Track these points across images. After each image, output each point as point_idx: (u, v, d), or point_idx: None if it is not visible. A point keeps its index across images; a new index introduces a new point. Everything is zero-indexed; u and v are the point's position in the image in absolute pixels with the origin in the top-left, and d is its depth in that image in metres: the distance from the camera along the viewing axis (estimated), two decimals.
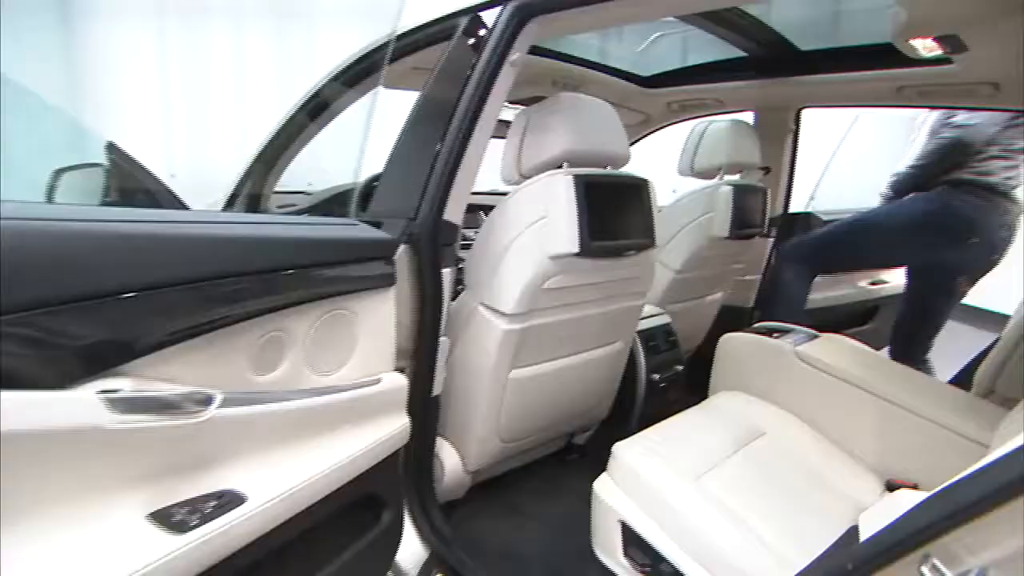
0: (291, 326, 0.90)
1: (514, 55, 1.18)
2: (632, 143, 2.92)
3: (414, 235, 1.16)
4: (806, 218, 2.46)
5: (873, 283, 2.73)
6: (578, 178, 1.27)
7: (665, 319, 1.96)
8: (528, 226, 1.29)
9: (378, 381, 1.03)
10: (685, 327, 2.30)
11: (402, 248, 1.14)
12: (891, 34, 1.35)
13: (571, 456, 1.87)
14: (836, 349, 1.51)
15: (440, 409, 1.38)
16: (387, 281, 1.05)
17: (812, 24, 2.01)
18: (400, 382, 1.09)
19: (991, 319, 2.10)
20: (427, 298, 1.19)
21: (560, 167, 1.34)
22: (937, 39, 1.32)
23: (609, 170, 1.44)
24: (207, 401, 0.72)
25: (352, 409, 0.98)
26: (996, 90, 1.75)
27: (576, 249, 1.26)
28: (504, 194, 1.38)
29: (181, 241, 0.76)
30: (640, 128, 2.81)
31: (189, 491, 0.73)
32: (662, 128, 2.82)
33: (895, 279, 2.69)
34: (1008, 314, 1.59)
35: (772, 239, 2.45)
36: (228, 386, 0.78)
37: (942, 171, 2.08)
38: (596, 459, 1.33)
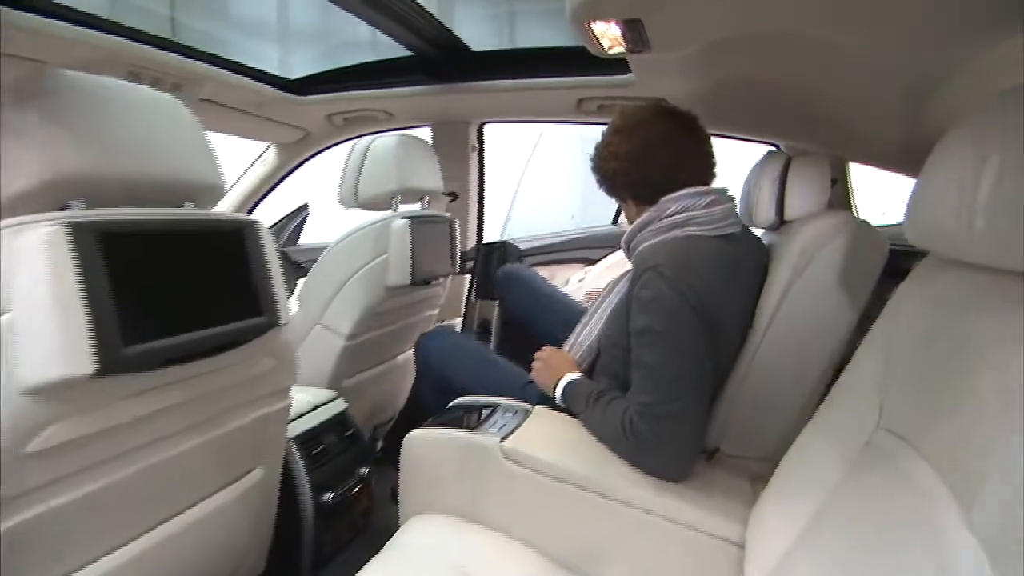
0: None
1: None
2: (296, 167, 2.35)
3: None
4: (503, 247, 2.16)
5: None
6: (79, 227, 0.64)
7: (337, 407, 1.39)
8: None
9: None
10: (376, 398, 1.79)
11: None
12: (568, 15, 1.02)
13: None
14: (550, 434, 1.13)
15: None
16: None
17: (484, 20, 1.69)
18: None
19: None
20: None
21: (64, 208, 0.70)
22: (621, 24, 1.04)
23: (189, 209, 0.85)
24: None
25: None
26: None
27: (89, 368, 0.63)
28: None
29: None
30: (301, 148, 2.24)
31: None
32: (331, 147, 2.29)
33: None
34: None
35: (469, 275, 2.10)
36: None
37: None
38: None
